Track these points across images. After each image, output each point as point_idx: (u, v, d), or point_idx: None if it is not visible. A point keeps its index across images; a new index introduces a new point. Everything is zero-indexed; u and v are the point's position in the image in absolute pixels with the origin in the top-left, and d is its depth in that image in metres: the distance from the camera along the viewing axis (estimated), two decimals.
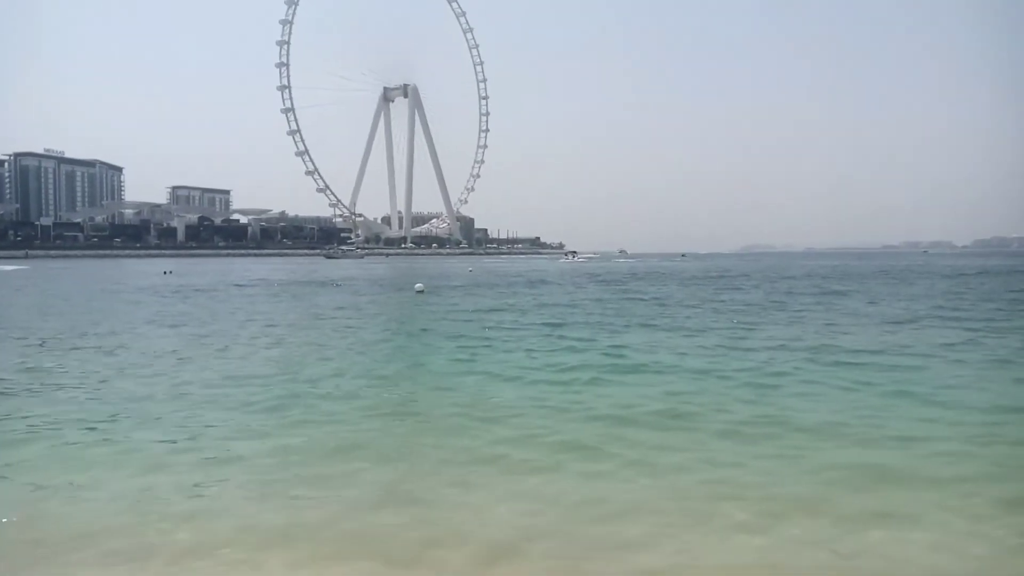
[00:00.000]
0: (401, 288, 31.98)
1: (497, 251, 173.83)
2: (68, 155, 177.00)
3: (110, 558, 4.15)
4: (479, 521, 4.65)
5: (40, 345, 12.72)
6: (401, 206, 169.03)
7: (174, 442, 6.37)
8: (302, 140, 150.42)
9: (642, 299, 23.96)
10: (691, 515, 4.72)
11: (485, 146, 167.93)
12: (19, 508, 4.84)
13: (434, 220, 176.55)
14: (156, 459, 5.92)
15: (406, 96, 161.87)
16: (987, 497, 4.88)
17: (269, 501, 5.00)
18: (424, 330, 15.11)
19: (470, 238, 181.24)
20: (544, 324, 15.83)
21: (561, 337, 13.45)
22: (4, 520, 4.63)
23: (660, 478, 5.41)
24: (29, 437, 6.53)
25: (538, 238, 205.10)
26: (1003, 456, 5.76)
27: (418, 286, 29.08)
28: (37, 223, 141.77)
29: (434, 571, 3.96)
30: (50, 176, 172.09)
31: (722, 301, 22.34)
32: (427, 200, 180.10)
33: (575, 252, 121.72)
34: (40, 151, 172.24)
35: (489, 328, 15.10)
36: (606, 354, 11.25)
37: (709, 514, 4.69)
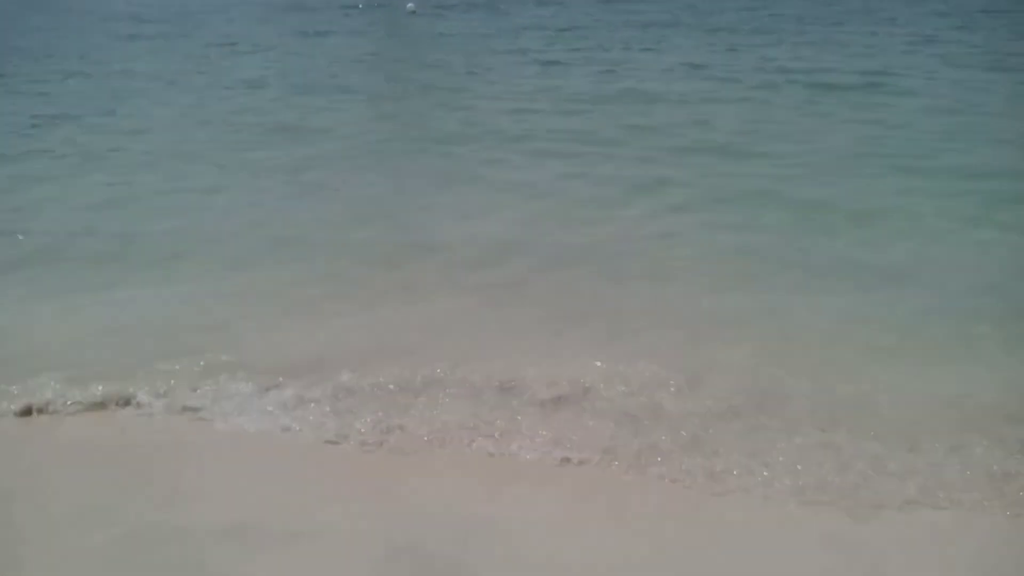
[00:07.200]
0: None
1: None
2: None
3: None
4: (462, 230, 4.96)
5: None
6: None
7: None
8: None
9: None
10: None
11: None
12: None
13: None
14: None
15: None
16: None
17: (249, 213, 5.55)
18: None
19: None
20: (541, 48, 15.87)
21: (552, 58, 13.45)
22: None
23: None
24: None
25: None
26: None
27: (409, 6, 28.62)
28: None
29: (413, 275, 4.30)
30: None
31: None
32: None
33: None
34: None
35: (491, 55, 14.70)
36: (602, 72, 11.63)
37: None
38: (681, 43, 16.68)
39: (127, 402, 3.32)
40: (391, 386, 3.36)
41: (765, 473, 2.80)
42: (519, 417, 3.15)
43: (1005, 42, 14.36)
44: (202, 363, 3.56)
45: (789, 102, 9.32)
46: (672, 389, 3.27)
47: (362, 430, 3.12)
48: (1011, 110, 8.74)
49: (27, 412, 3.24)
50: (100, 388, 3.37)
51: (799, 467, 2.82)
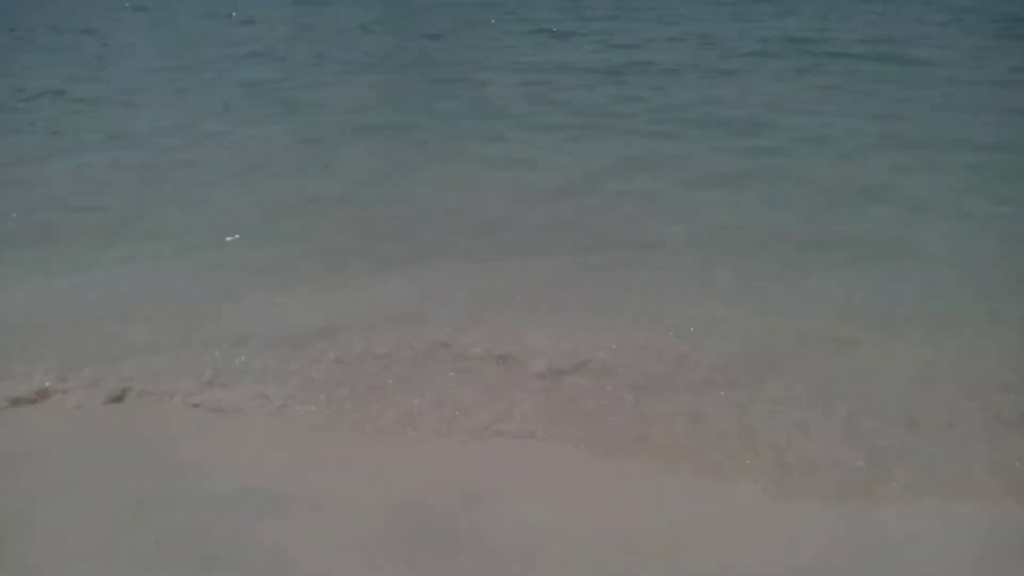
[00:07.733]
0: None
1: None
2: None
3: None
4: (460, 203, 4.96)
5: None
6: None
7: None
8: None
9: None
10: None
11: None
12: None
13: None
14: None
15: None
16: None
17: (244, 187, 5.57)
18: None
19: None
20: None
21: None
22: None
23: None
24: None
25: None
26: None
27: None
28: None
29: (410, 248, 4.34)
30: None
31: None
32: None
33: None
34: None
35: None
36: (606, 43, 11.43)
37: None
38: (688, 13, 16.40)
39: (124, 378, 3.32)
40: (390, 358, 3.37)
41: (763, 449, 2.80)
42: (517, 389, 3.16)
43: (1019, 8, 14.12)
44: (199, 337, 3.56)
45: (795, 73, 9.19)
46: (670, 361, 3.27)
47: (361, 402, 3.13)
48: (1021, 79, 8.61)
49: (25, 392, 3.24)
50: (97, 365, 3.37)
51: (795, 443, 2.82)
